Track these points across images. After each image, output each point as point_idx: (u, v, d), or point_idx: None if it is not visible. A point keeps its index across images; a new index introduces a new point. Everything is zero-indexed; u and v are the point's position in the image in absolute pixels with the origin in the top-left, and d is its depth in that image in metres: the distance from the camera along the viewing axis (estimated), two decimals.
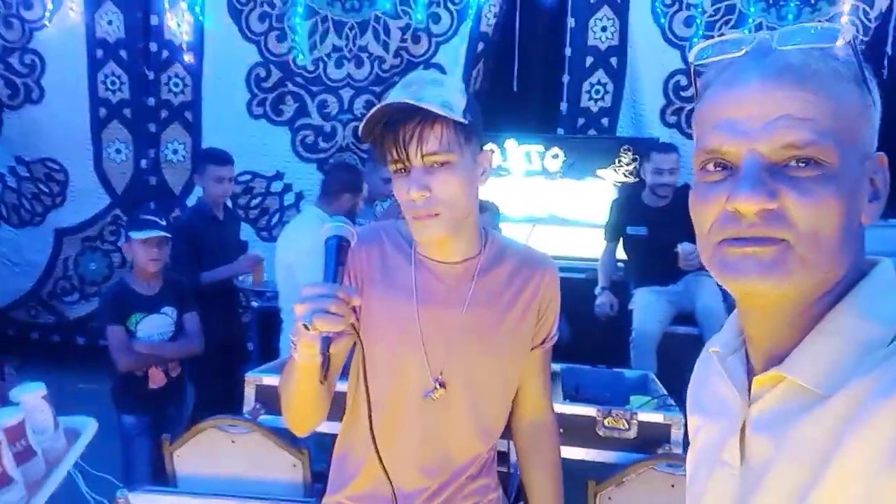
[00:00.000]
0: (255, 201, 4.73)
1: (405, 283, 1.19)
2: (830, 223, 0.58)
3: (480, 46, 4.34)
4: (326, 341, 0.95)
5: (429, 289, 1.19)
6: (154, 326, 2.62)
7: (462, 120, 1.08)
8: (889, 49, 4.08)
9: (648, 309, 3.40)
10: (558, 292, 1.27)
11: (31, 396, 1.62)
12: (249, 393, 2.21)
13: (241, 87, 4.58)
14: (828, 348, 0.61)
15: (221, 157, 3.24)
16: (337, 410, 1.71)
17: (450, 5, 4.39)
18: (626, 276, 4.06)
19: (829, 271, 0.60)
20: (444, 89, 1.09)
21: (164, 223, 2.64)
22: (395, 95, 1.08)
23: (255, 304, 3.84)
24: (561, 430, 1.98)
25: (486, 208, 3.15)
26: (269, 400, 2.17)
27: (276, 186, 4.72)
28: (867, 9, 4.07)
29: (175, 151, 4.72)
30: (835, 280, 0.61)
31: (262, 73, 4.57)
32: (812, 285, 0.60)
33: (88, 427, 1.77)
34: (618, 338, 3.70)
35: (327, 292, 0.96)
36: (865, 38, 4.15)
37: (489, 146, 1.21)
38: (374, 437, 1.13)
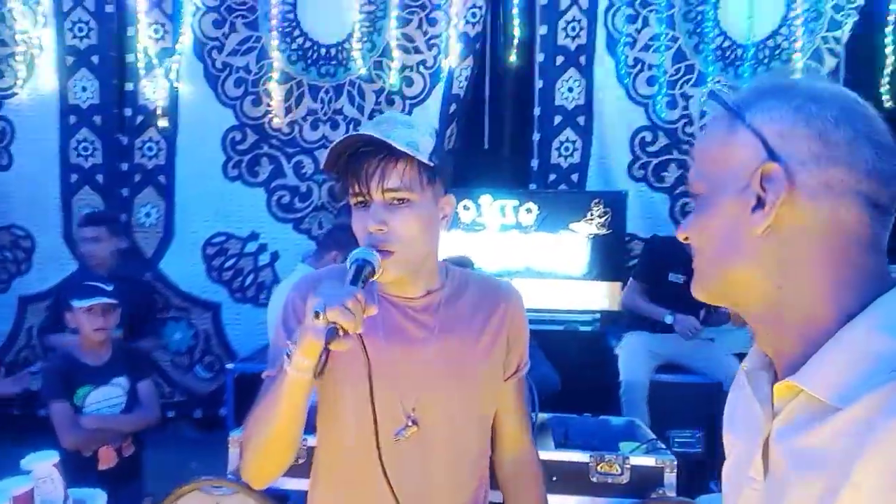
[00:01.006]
0: (230, 262, 4.69)
1: (370, 320, 1.13)
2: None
3: (453, 107, 4.46)
4: (332, 332, 0.93)
5: (394, 325, 1.20)
6: (104, 399, 2.48)
7: (426, 161, 1.11)
8: None
9: (635, 357, 3.45)
10: (526, 319, 1.29)
11: (43, 465, 1.55)
12: (233, 453, 2.15)
13: (217, 149, 4.61)
14: (841, 359, 0.62)
15: (85, 218, 3.23)
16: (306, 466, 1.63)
17: (422, 69, 4.52)
18: (604, 324, 4.10)
19: (723, 277, 0.70)
20: (413, 131, 1.12)
21: (109, 289, 2.52)
22: (364, 129, 1.11)
23: (230, 366, 3.76)
24: (553, 478, 1.96)
25: (463, 263, 3.20)
26: None
27: (251, 247, 4.69)
28: (818, 67, 4.30)
29: (148, 215, 4.69)
30: (805, 294, 0.66)
31: (238, 136, 4.62)
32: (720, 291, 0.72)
33: (98, 500, 1.70)
34: (602, 385, 3.70)
35: (346, 290, 0.97)
36: None
37: (451, 197, 1.25)
38: (384, 469, 1.09)
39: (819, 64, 4.32)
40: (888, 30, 4.25)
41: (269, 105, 4.57)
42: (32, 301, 4.68)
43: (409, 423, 1.16)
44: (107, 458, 2.47)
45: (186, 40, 4.53)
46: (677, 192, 4.43)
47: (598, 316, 4.11)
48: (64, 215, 4.65)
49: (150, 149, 4.65)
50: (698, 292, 0.75)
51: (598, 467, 1.99)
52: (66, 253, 4.66)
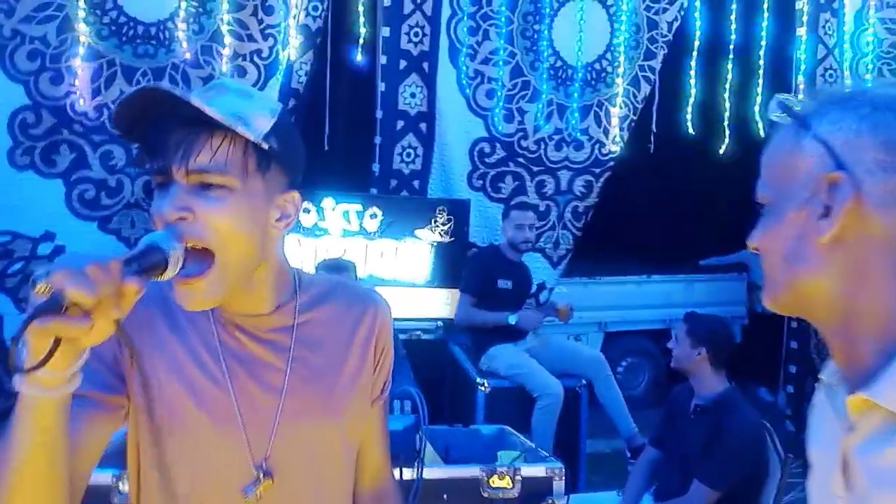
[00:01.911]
0: (16, 267, 3.98)
1: (205, 346, 0.94)
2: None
3: (292, 103, 4.19)
4: (53, 301, 0.65)
5: (239, 351, 0.95)
6: None
7: (255, 140, 0.85)
8: (654, 126, 4.74)
9: (540, 369, 3.55)
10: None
11: None
12: None
13: (2, 132, 3.88)
14: None
15: None
16: None
17: (257, 59, 4.20)
18: (446, 331, 4.11)
19: (791, 287, 0.70)
20: (247, 102, 0.87)
21: None
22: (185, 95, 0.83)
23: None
24: (444, 496, 1.86)
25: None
26: None
27: (45, 249, 4.02)
28: (635, 91, 4.71)
29: None
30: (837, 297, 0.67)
31: (31, 118, 3.93)
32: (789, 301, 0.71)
33: None
34: (447, 395, 3.70)
35: (93, 255, 0.70)
36: (634, 117, 4.79)
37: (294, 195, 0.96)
38: None
39: (636, 89, 4.73)
40: (692, 63, 4.78)
41: (71, 85, 3.95)
42: None
43: (262, 477, 0.92)
44: None
45: None
46: (512, 203, 4.57)
47: (440, 323, 4.10)
48: None
49: None
50: (768, 302, 0.74)
51: (490, 481, 1.93)
52: None
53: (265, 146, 0.86)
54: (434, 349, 4.02)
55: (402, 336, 3.93)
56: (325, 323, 1.00)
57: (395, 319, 3.51)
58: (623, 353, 5.81)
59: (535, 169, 4.66)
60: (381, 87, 4.41)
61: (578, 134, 4.68)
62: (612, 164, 4.74)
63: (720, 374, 2.66)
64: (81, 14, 3.92)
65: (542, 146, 4.65)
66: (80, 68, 3.95)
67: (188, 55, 4.09)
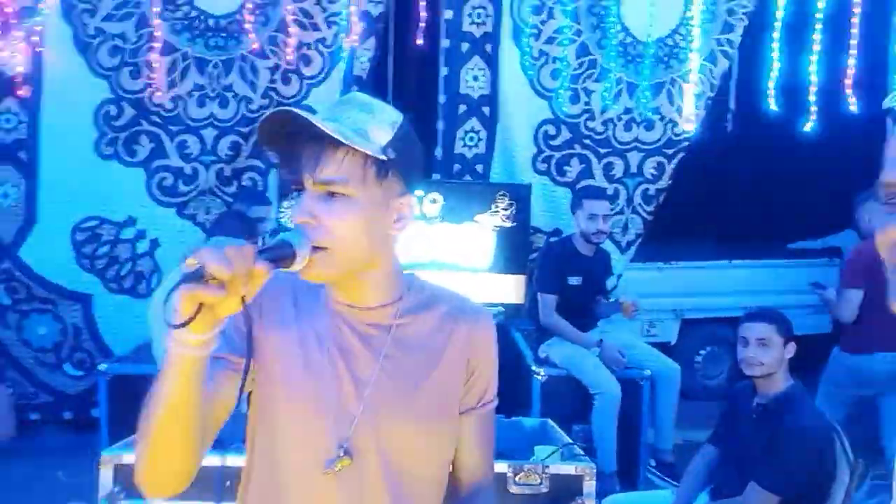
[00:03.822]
0: (103, 250, 4.26)
1: (315, 330, 1.05)
2: None
3: (353, 90, 4.24)
4: (197, 274, 0.80)
5: (340, 338, 1.05)
6: None
7: (373, 153, 0.96)
8: (732, 104, 4.48)
9: (598, 366, 3.42)
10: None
11: None
12: (106, 475, 1.88)
13: (89, 124, 4.14)
14: None
15: None
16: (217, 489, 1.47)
17: (322, 47, 4.27)
18: (508, 317, 4.07)
19: None
20: (369, 117, 0.99)
21: None
22: (320, 111, 0.99)
23: (102, 367, 3.39)
24: None
25: None
26: (132, 483, 1.85)
27: (128, 233, 4.28)
28: (712, 67, 4.45)
29: (5, 195, 4.16)
30: None
31: (114, 111, 4.17)
32: None
33: None
34: (508, 382, 3.66)
35: (233, 242, 0.84)
36: (710, 95, 4.54)
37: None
38: None
39: (713, 65, 4.47)
40: (775, 35, 4.45)
41: (149, 78, 4.16)
42: None
43: (341, 454, 1.01)
44: None
45: (52, 0, 4.03)
46: (579, 186, 4.46)
47: (502, 309, 4.07)
48: None
49: (7, 121, 4.12)
50: None
51: (517, 477, 1.90)
52: None
53: (383, 157, 0.96)
54: (497, 336, 3.99)
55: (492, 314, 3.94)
56: (423, 330, 1.07)
57: None
58: (702, 342, 5.56)
59: (603, 151, 4.51)
60: (444, 70, 4.39)
61: (649, 113, 4.48)
62: (685, 144, 4.52)
63: (787, 370, 2.50)
64: (156, 10, 4.11)
65: (611, 127, 4.49)
66: (157, 62, 4.15)
67: (256, 46, 4.21)
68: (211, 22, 4.22)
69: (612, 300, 3.83)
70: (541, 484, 1.90)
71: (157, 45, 4.13)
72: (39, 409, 4.24)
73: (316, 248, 0.95)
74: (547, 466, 1.92)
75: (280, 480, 1.02)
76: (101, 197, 4.21)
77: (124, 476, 1.86)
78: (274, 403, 1.03)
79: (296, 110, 0.94)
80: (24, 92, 4.06)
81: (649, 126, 4.50)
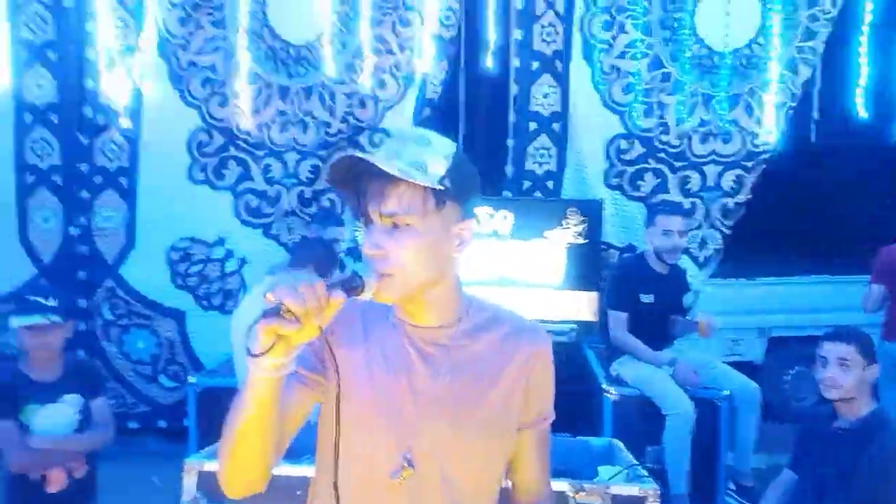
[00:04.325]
0: (195, 269, 4.54)
1: (380, 347, 1.13)
2: None
3: (426, 112, 4.37)
4: (275, 310, 0.92)
5: (403, 355, 1.12)
6: (53, 418, 2.34)
7: (431, 185, 1.03)
8: (815, 113, 4.31)
9: (671, 386, 3.34)
10: (552, 368, 1.18)
11: None
12: (189, 481, 2.02)
13: (182, 152, 4.44)
14: None
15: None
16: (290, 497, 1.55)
17: (395, 71, 4.42)
18: (580, 334, 4.04)
19: None
20: (425, 150, 1.06)
21: (52, 305, 2.34)
22: (380, 147, 1.07)
23: (192, 380, 3.61)
24: None
25: None
26: (212, 489, 1.99)
27: (218, 253, 4.54)
28: (793, 76, 4.30)
29: (108, 219, 4.51)
30: None
31: (205, 139, 4.46)
32: None
33: None
34: (584, 403, 3.64)
35: (305, 278, 0.95)
36: (792, 105, 4.38)
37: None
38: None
39: (794, 73, 4.32)
40: (862, 39, 4.26)
41: (236, 106, 4.42)
42: None
43: (405, 465, 1.08)
44: (56, 481, 2.33)
45: (150, 38, 4.37)
46: (653, 201, 4.39)
47: (574, 326, 4.05)
48: (20, 218, 4.45)
49: (111, 150, 4.48)
50: None
51: (578, 496, 1.91)
52: (22, 256, 4.47)
53: (440, 188, 1.03)
54: (567, 353, 3.97)
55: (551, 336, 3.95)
56: (483, 349, 1.13)
57: None
58: (790, 361, 5.30)
59: (678, 165, 4.43)
60: (514, 89, 4.44)
61: (727, 125, 4.37)
62: (766, 156, 4.38)
63: (870, 393, 2.38)
64: (243, 42, 4.37)
65: (686, 140, 4.41)
66: (243, 91, 4.41)
67: (333, 73, 4.40)
68: (292, 51, 4.45)
69: (688, 319, 3.73)
70: None
71: (243, 74, 4.39)
72: (137, 418, 4.55)
73: (383, 275, 1.04)
74: (608, 487, 1.92)
75: (346, 488, 1.09)
76: (193, 219, 4.50)
77: (206, 482, 1.99)
78: (339, 417, 1.09)
79: (358, 154, 1.03)
80: (125, 123, 4.41)
81: (727, 138, 4.38)
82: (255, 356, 0.93)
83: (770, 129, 4.32)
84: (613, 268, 3.92)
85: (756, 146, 4.37)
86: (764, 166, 4.39)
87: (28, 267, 4.46)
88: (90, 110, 4.41)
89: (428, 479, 1.09)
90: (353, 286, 1.00)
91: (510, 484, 1.23)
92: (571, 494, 1.92)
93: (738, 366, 4.49)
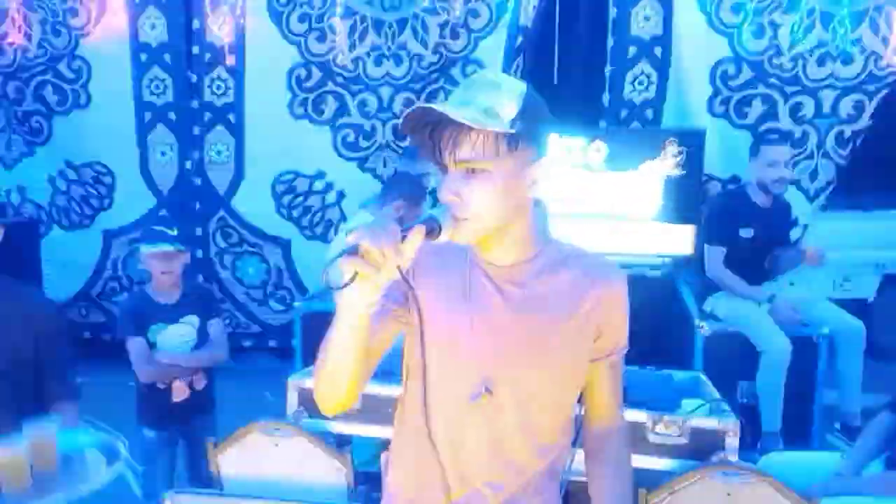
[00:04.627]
0: (298, 200, 4.76)
1: (458, 282, 1.19)
2: None
3: (520, 40, 4.27)
4: (353, 248, 0.97)
5: (480, 290, 1.18)
6: (175, 336, 2.59)
7: (503, 129, 1.06)
8: None
9: (767, 322, 3.28)
10: (625, 303, 1.22)
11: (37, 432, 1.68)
12: (292, 396, 2.22)
13: (282, 87, 4.60)
14: None
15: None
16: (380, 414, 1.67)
17: (487, 0, 4.32)
18: (676, 269, 3.96)
19: None
20: (496, 94, 1.08)
21: (174, 234, 2.59)
22: (451, 97, 1.09)
23: (297, 304, 3.85)
24: None
25: (535, 204, 3.03)
26: (312, 403, 2.17)
27: (318, 185, 4.74)
28: None
29: (219, 153, 4.78)
30: None
31: (303, 74, 4.59)
32: None
33: (117, 446, 1.84)
34: (666, 336, 3.61)
35: (383, 222, 1.00)
36: None
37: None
38: (430, 433, 1.15)
39: None
40: None
41: (333, 41, 4.49)
42: (116, 235, 4.92)
43: (483, 390, 1.16)
44: (180, 392, 2.60)
45: None
46: (761, 129, 4.14)
47: (668, 261, 3.97)
48: (141, 152, 4.80)
49: (218, 87, 4.69)
50: None
51: (657, 428, 1.94)
52: (144, 188, 4.84)
53: (511, 131, 1.07)
54: (661, 287, 3.90)
55: (629, 271, 3.91)
56: (555, 288, 1.18)
57: (620, 255, 3.53)
58: None
59: (790, 90, 4.13)
60: (613, 12, 4.24)
61: (848, 46, 4.00)
62: (892, 79, 4.00)
63: None
64: None
65: (800, 63, 4.08)
66: (339, 26, 4.46)
67: (426, 3, 4.36)
68: None
69: (794, 250, 3.58)
70: (680, 436, 1.92)
71: (339, 9, 4.44)
72: (251, 338, 4.93)
73: (460, 220, 1.09)
74: (688, 419, 1.94)
75: (429, 409, 1.19)
76: (295, 153, 4.68)
77: (306, 397, 2.18)
78: (423, 346, 1.18)
79: (429, 105, 1.06)
80: (230, 60, 4.60)
81: (847, 60, 4.02)
82: (339, 289, 1.00)
83: None
84: (710, 201, 3.78)
85: (881, 69, 4.00)
86: (887, 90, 4.01)
87: (149, 198, 4.84)
88: (198, 48, 4.62)
89: (504, 404, 1.17)
90: (430, 230, 1.05)
91: (583, 410, 1.29)
92: (649, 425, 1.95)
93: (849, 303, 4.28)
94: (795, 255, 3.49)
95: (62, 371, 2.00)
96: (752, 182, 3.43)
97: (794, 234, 3.88)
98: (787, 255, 3.52)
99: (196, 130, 4.73)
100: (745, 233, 3.38)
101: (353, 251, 0.97)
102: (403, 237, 1.00)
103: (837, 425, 3.40)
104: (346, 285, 0.99)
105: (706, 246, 3.50)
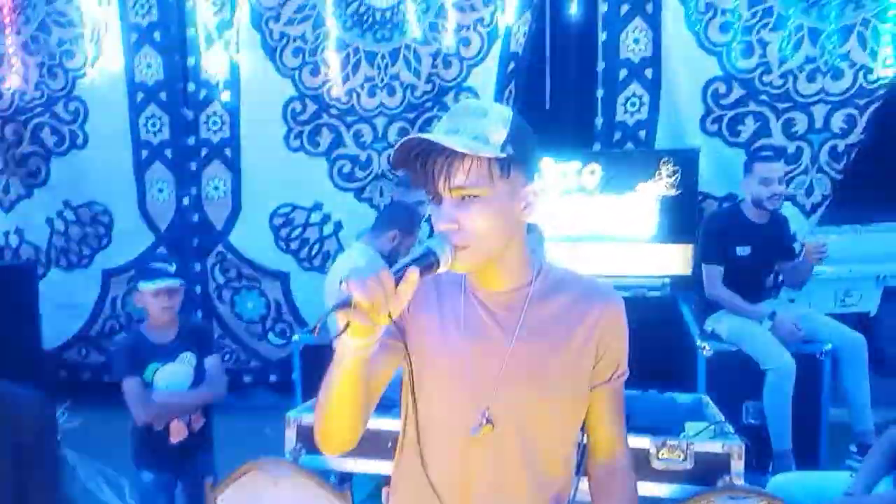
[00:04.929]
0: (296, 233, 4.77)
1: (455, 313, 1.18)
2: None
3: (511, 66, 4.31)
4: (345, 301, 0.95)
5: (476, 320, 1.17)
6: (172, 375, 2.55)
7: (494, 154, 1.06)
8: None
9: (769, 339, 3.24)
10: (624, 326, 1.20)
11: None
12: (290, 433, 2.19)
13: (278, 121, 4.63)
14: None
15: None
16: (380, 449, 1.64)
17: (479, 28, 4.37)
18: (675, 289, 3.94)
19: None
20: (484, 121, 1.08)
21: (173, 269, 2.59)
22: (435, 127, 1.08)
23: (295, 337, 3.83)
24: None
25: (529, 230, 3.00)
26: (311, 440, 2.14)
27: (316, 217, 4.74)
28: None
29: (216, 188, 4.80)
30: None
31: (298, 107, 4.62)
32: None
33: None
34: (667, 358, 3.58)
35: (376, 269, 0.97)
36: None
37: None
38: (427, 471, 1.13)
39: None
40: None
41: (326, 74, 4.54)
42: (114, 273, 4.92)
43: (484, 422, 1.14)
44: (177, 432, 2.55)
45: (244, 11, 4.54)
46: (755, 146, 4.15)
47: (667, 280, 3.95)
48: (139, 191, 4.82)
49: (214, 123, 4.73)
50: None
51: (660, 453, 1.91)
52: (142, 226, 4.85)
53: (503, 155, 1.07)
54: (660, 308, 3.88)
55: (625, 294, 3.89)
56: (552, 314, 1.17)
57: (618, 277, 3.50)
58: None
59: (782, 106, 4.15)
60: (602, 36, 4.28)
61: (837, 61, 4.03)
62: (882, 92, 4.02)
63: None
64: (330, 9, 4.46)
65: (790, 79, 4.11)
66: (332, 58, 4.51)
67: (417, 34, 4.41)
68: (377, 15, 4.49)
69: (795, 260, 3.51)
70: (685, 460, 1.89)
71: (332, 42, 4.49)
72: (251, 373, 4.90)
73: (458, 247, 1.07)
74: (692, 443, 1.91)
75: (429, 444, 1.17)
76: (291, 185, 4.70)
77: (305, 433, 2.16)
78: (421, 379, 1.17)
79: (420, 135, 1.06)
80: (225, 96, 4.64)
81: (837, 75, 4.05)
82: (334, 338, 1.00)
83: (887, 63, 3.95)
84: (705, 220, 3.75)
85: (871, 82, 4.02)
86: (878, 104, 4.03)
87: (148, 235, 4.85)
88: (193, 86, 4.66)
89: (506, 435, 1.15)
90: (427, 264, 1.03)
91: (586, 441, 1.27)
92: (653, 451, 1.92)
93: (851, 317, 4.25)
94: (802, 263, 3.44)
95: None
96: (747, 199, 3.42)
97: (794, 249, 3.86)
98: (792, 266, 3.49)
99: (193, 167, 4.75)
100: (742, 251, 3.36)
101: (346, 303, 0.95)
102: (399, 278, 0.98)
103: (854, 447, 3.33)
104: (340, 334, 0.98)
105: (703, 265, 3.48)
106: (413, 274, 0.99)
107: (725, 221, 3.51)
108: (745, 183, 3.42)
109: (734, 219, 3.45)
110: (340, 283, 0.97)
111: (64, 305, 4.91)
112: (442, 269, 1.06)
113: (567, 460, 1.23)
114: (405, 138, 1.07)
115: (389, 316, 0.99)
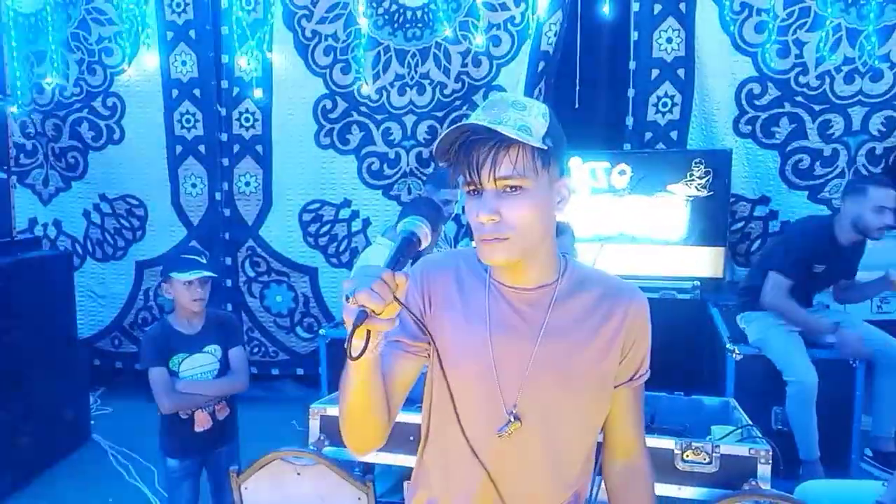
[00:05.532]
0: (325, 229, 4.81)
1: (479, 309, 1.16)
2: None
3: (541, 65, 4.29)
4: (362, 315, 0.95)
5: (502, 317, 1.16)
6: (198, 366, 2.60)
7: (540, 145, 1.06)
8: None
9: (793, 349, 3.14)
10: (648, 325, 1.19)
11: None
12: (314, 424, 2.21)
13: (309, 118, 4.68)
14: None
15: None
16: (403, 442, 1.65)
17: (510, 27, 4.36)
18: (704, 291, 3.89)
19: None
20: (524, 113, 1.08)
21: (205, 262, 2.63)
22: (474, 117, 1.07)
23: (322, 331, 3.87)
24: None
25: (562, 231, 2.92)
26: (334, 431, 2.16)
27: (344, 213, 4.78)
28: None
29: (247, 184, 4.86)
30: None
31: (329, 105, 4.66)
32: None
33: None
34: (696, 361, 3.53)
35: (374, 272, 0.97)
36: None
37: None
38: (473, 450, 1.14)
39: None
40: None
41: (357, 72, 4.57)
42: (148, 265, 5.02)
43: (511, 420, 1.14)
44: (202, 421, 2.60)
45: (277, 10, 4.59)
46: (789, 148, 4.08)
47: (697, 283, 3.90)
48: (172, 185, 4.91)
49: (246, 119, 4.79)
50: None
51: (685, 455, 1.89)
52: (175, 220, 4.94)
53: (545, 147, 1.07)
54: (690, 310, 3.84)
55: (653, 296, 3.85)
56: (577, 312, 1.16)
57: (647, 278, 3.46)
58: None
59: (818, 108, 4.07)
60: (634, 35, 4.24)
61: (876, 62, 3.94)
62: None
63: None
64: (362, 8, 4.49)
65: (827, 80, 4.03)
66: (363, 57, 4.54)
67: (448, 32, 4.42)
68: (409, 14, 4.51)
69: (879, 278, 3.35)
70: (710, 463, 1.87)
71: (363, 40, 4.52)
72: (279, 366, 4.96)
73: (497, 239, 1.07)
74: (717, 446, 1.88)
75: (455, 442, 1.17)
76: (321, 182, 4.75)
77: (328, 425, 2.18)
78: (445, 377, 1.16)
79: (472, 122, 1.05)
80: (258, 94, 4.70)
81: (876, 76, 3.96)
82: (355, 359, 0.99)
83: None
84: (799, 231, 3.43)
85: None
86: None
87: (180, 229, 4.93)
88: (227, 83, 4.73)
89: (532, 435, 1.15)
90: (410, 251, 1.06)
91: (605, 442, 1.27)
92: (678, 453, 1.90)
93: (889, 325, 4.14)
94: (879, 282, 3.31)
95: None
96: (845, 219, 3.19)
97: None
98: (869, 283, 3.37)
99: (225, 162, 4.83)
100: (818, 268, 3.22)
101: (363, 317, 0.95)
102: (401, 267, 1.01)
103: (869, 451, 3.27)
104: (362, 353, 0.99)
105: (772, 272, 3.24)
106: (388, 274, 0.99)
107: (817, 241, 3.25)
108: (852, 203, 3.18)
109: (825, 237, 3.24)
110: (347, 298, 0.96)
111: (99, 296, 5.04)
112: (424, 246, 1.07)
113: (588, 458, 1.23)
114: (452, 127, 1.07)
115: (397, 300, 0.99)
